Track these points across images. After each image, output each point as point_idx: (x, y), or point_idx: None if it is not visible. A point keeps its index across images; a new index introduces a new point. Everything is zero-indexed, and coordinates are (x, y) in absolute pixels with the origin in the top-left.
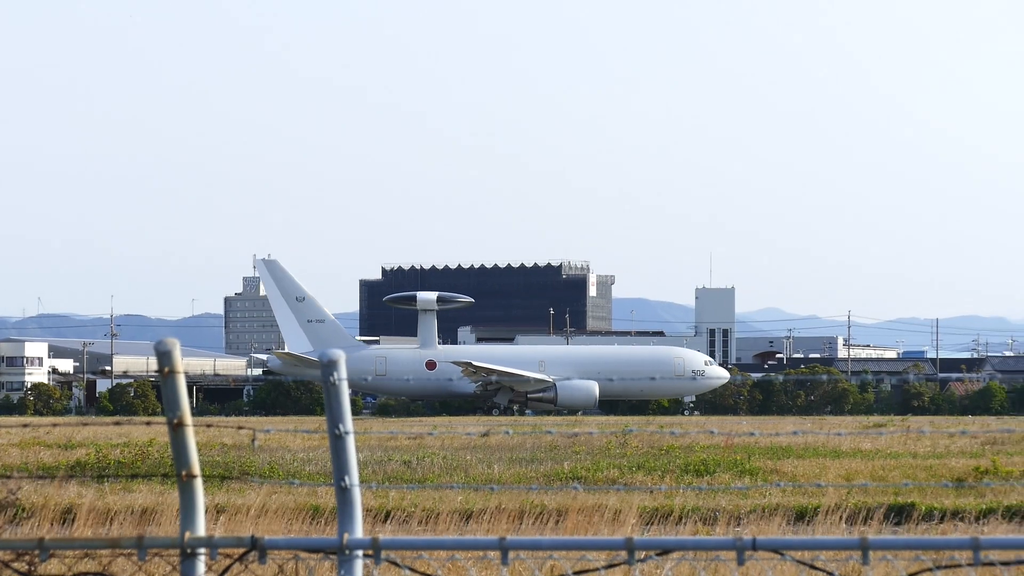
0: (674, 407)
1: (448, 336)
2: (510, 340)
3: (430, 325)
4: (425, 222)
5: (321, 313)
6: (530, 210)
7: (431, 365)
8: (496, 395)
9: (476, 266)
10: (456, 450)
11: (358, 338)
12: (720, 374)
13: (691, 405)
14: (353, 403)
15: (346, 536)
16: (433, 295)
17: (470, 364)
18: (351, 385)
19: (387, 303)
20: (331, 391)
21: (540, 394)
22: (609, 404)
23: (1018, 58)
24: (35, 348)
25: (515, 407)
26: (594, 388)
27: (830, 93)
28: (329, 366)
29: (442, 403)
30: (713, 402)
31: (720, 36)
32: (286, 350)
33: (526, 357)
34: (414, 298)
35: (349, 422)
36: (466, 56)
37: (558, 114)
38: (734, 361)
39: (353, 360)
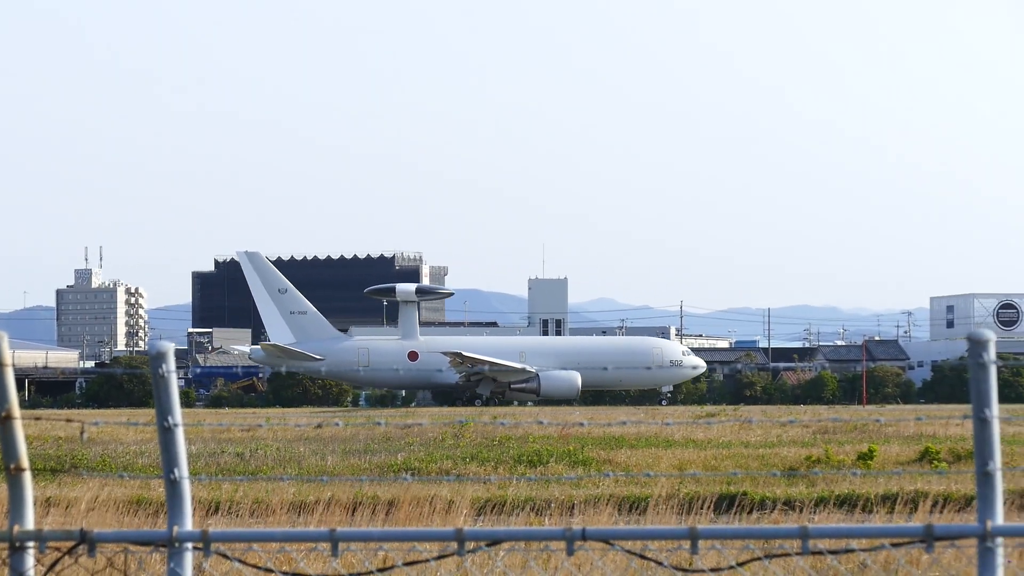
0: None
1: None
2: (344, 331)
3: (411, 317)
4: (258, 213)
5: (303, 305)
6: (362, 201)
7: (413, 356)
8: (479, 386)
9: (308, 258)
10: (289, 442)
11: (191, 330)
12: (697, 363)
13: (668, 395)
14: (185, 395)
15: (176, 529)
16: (412, 287)
17: (459, 354)
18: (338, 377)
19: (367, 295)
20: (160, 383)
21: (523, 384)
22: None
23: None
24: None
25: (496, 398)
26: (576, 378)
27: (664, 79)
28: (158, 358)
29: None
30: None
31: (551, 22)
32: (271, 341)
33: (506, 347)
34: (393, 290)
35: (178, 414)
36: (293, 45)
37: (389, 103)
38: None
39: (337, 351)
